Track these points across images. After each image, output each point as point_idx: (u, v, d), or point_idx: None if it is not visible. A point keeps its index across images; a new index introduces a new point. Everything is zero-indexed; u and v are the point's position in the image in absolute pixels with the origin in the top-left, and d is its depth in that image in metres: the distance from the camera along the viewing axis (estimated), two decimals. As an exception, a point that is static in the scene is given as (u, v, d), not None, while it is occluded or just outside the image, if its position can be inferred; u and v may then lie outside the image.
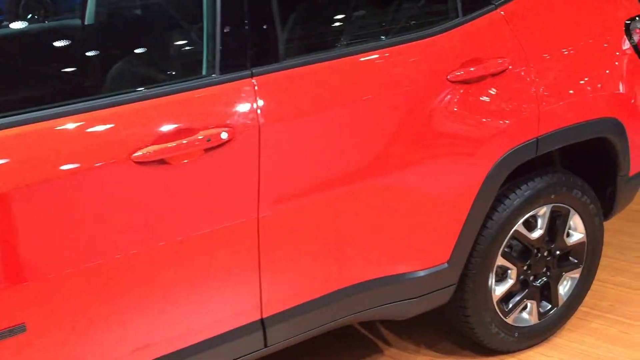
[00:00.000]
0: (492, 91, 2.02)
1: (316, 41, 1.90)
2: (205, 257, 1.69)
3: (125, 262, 1.55)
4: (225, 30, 1.64)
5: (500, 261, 2.28)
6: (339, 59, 1.81)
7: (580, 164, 2.54)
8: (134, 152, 1.50)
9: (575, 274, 2.51)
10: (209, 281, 1.72)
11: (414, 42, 1.92)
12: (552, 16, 2.18)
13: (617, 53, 2.32)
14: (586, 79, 2.22)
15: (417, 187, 1.97)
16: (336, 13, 1.99)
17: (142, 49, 1.82)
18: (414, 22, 2.07)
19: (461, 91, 1.96)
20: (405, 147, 1.91)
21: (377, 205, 1.92)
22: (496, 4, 2.08)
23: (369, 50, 1.86)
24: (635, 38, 2.37)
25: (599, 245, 2.52)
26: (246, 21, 1.67)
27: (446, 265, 2.12)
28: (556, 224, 2.38)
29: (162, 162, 1.54)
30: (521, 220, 2.27)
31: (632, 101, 2.36)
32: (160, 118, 1.55)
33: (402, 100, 1.88)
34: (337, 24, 1.99)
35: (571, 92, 2.18)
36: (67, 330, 1.53)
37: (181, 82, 1.63)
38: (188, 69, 1.73)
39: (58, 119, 1.46)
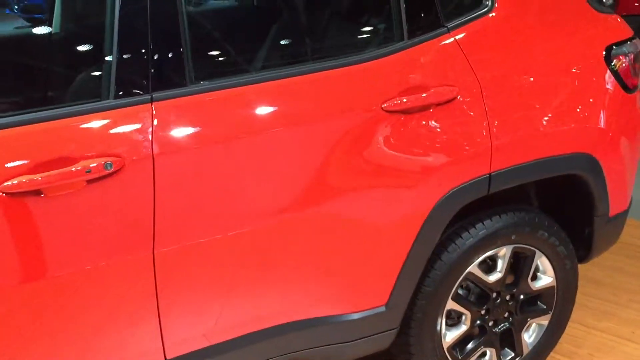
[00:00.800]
0: (437, 122, 1.84)
1: (233, 65, 1.76)
2: (95, 295, 1.56)
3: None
4: (121, 51, 1.52)
5: (451, 305, 2.10)
6: (257, 85, 1.67)
7: (556, 202, 2.34)
8: (3, 182, 1.39)
9: (544, 321, 2.30)
10: (103, 321, 1.60)
11: (346, 68, 1.76)
12: (516, 41, 1.99)
13: (594, 83, 2.10)
14: (554, 110, 2.02)
15: (347, 223, 1.81)
16: (258, 34, 1.85)
17: (28, 68, 1.71)
18: (350, 45, 1.91)
19: (400, 121, 1.79)
20: (332, 180, 1.75)
21: (298, 241, 1.76)
22: (449, 26, 1.90)
23: (292, 75, 1.71)
24: (617, 66, 2.15)
25: (571, 290, 2.31)
26: (147, 42, 1.54)
27: (383, 308, 1.94)
28: (520, 267, 2.18)
29: (37, 193, 1.42)
30: (476, 262, 2.08)
31: (610, 136, 2.14)
32: (37, 145, 1.44)
33: (327, 129, 1.72)
34: (258, 46, 1.83)
35: (534, 125, 1.98)
36: None
37: (70, 106, 1.51)
38: (81, 93, 1.61)
39: None
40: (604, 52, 2.12)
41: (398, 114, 1.78)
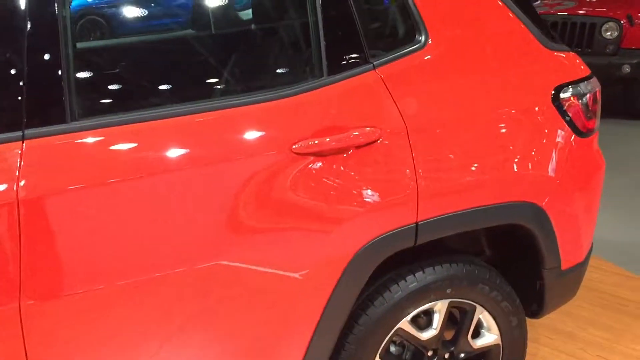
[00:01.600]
0: (355, 166, 1.69)
1: (124, 100, 1.63)
2: None
3: None
4: None
5: (378, 365, 1.92)
6: (147, 122, 1.53)
7: (508, 253, 2.18)
8: None
9: (490, 381, 2.11)
10: None
11: (255, 105, 1.62)
12: (451, 80, 1.84)
13: (540, 126, 1.95)
14: (491, 155, 1.87)
15: (253, 276, 1.65)
16: (154, 69, 1.72)
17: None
18: (265, 81, 1.77)
19: (313, 164, 1.64)
20: (234, 227, 1.60)
21: (189, 297, 1.60)
22: (374, 63, 1.76)
23: (189, 113, 1.57)
24: (568, 108, 1.99)
25: (518, 349, 2.13)
26: (22, 73, 1.41)
27: (295, 375, 1.77)
28: (459, 323, 2.01)
29: None
30: (407, 317, 1.91)
31: (558, 184, 1.97)
32: None
33: (230, 172, 1.58)
34: (154, 81, 1.70)
35: (467, 171, 1.83)
36: None
37: None
38: None
39: None
40: (552, 93, 1.96)
41: (310, 156, 1.64)
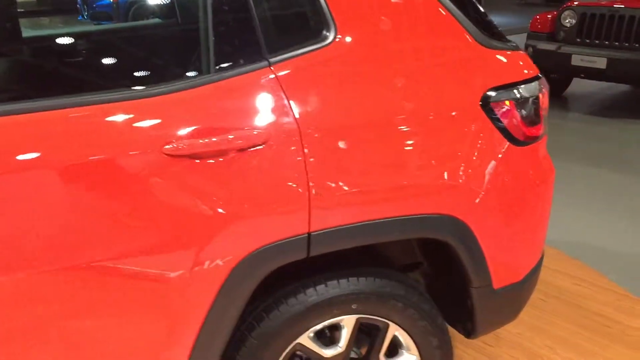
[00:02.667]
0: (238, 170, 1.57)
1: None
2: None
3: None
4: None
5: (276, 380, 1.81)
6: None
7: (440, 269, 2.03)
8: None
9: (409, 405, 1.97)
10: None
11: (123, 102, 1.52)
12: (359, 81, 1.69)
13: (464, 133, 1.78)
14: (402, 164, 1.71)
15: (123, 281, 1.56)
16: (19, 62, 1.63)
17: None
18: (138, 77, 1.67)
19: (188, 168, 1.54)
20: (95, 232, 1.51)
21: (57, 299, 1.53)
22: (271, 60, 1.63)
23: (53, 108, 1.49)
24: (500, 114, 1.82)
25: (443, 373, 1.97)
26: None
27: (177, 384, 1.68)
28: (370, 340, 1.87)
29: None
30: (308, 332, 1.79)
31: (483, 196, 1.80)
32: None
33: (88, 173, 1.49)
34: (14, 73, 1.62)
35: (371, 180, 1.68)
36: None
37: None
38: None
39: None
40: (482, 96, 1.79)
41: (185, 158, 1.53)
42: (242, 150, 1.57)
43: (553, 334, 2.77)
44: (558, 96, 7.49)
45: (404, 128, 1.70)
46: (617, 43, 6.41)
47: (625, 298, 3.08)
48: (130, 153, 1.50)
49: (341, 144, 1.65)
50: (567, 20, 6.76)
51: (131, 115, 1.51)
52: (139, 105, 1.52)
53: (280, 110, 1.60)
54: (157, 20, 1.79)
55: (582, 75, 6.77)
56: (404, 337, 1.90)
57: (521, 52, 1.98)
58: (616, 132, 6.08)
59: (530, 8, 16.94)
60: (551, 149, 5.41)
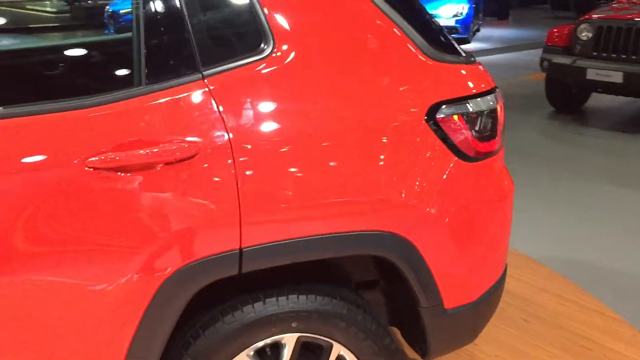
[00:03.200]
0: (164, 184, 1.56)
1: None
2: None
3: None
4: None
5: (213, 400, 1.77)
6: None
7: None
8: None
9: None
10: None
11: (44, 115, 1.52)
12: (296, 94, 1.66)
13: (407, 148, 1.73)
14: (336, 179, 1.67)
15: (43, 294, 1.55)
16: None
17: None
18: (74, 87, 1.66)
19: (113, 181, 1.52)
20: (21, 245, 1.50)
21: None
22: (204, 73, 1.62)
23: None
24: (447, 129, 1.77)
25: (390, 396, 1.91)
26: None
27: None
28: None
29: None
30: (247, 351, 1.75)
31: (427, 212, 1.75)
32: None
33: (9, 187, 1.48)
34: None
35: (304, 195, 1.64)
36: None
37: None
38: None
39: None
40: (427, 110, 1.74)
41: (110, 171, 1.52)
42: (170, 163, 1.55)
43: (531, 356, 2.68)
44: (577, 110, 7.34)
45: (340, 142, 1.67)
46: (634, 57, 6.25)
47: (618, 323, 2.97)
48: (54, 165, 1.49)
49: (274, 158, 1.62)
50: (583, 34, 6.63)
51: (56, 129, 1.51)
52: (61, 118, 1.52)
53: (211, 123, 1.58)
54: (89, 34, 1.78)
55: (599, 89, 6.63)
56: (350, 357, 1.85)
57: (477, 65, 1.93)
58: (633, 147, 5.92)
59: (559, 22, 16.69)
60: (561, 162, 5.32)
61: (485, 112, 1.84)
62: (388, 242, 1.73)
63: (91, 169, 1.51)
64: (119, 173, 1.52)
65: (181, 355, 1.73)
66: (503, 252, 2.02)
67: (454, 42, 1.95)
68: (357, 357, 1.85)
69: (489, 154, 1.87)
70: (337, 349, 1.83)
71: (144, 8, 1.61)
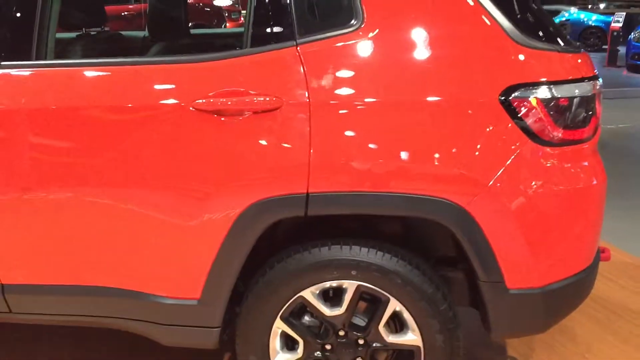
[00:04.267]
0: (250, 129, 1.86)
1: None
2: None
3: None
4: None
5: (281, 326, 2.04)
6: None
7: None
8: None
9: (408, 383, 2.05)
10: None
11: (169, 65, 1.94)
12: (375, 65, 1.85)
13: (477, 125, 1.83)
14: (402, 145, 1.83)
15: (153, 210, 1.95)
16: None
17: None
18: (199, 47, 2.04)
19: (212, 122, 1.87)
20: (134, 168, 1.93)
21: (107, 216, 1.97)
22: (299, 41, 1.89)
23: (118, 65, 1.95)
24: (521, 111, 1.83)
25: (444, 358, 2.00)
26: None
27: (195, 302, 2.01)
28: (373, 311, 2.01)
29: None
30: (311, 288, 1.99)
31: (490, 189, 1.83)
32: None
33: (137, 119, 1.91)
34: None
35: (371, 155, 1.83)
36: None
37: None
38: None
39: None
40: (503, 91, 1.82)
41: (208, 113, 1.86)
42: (257, 112, 1.85)
43: None
44: None
45: (413, 111, 1.82)
46: None
47: None
48: (168, 105, 1.88)
49: (345, 120, 1.83)
50: None
51: (175, 76, 1.91)
52: (186, 67, 1.91)
53: (296, 83, 1.85)
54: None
55: None
56: (407, 316, 1.98)
57: (578, 55, 1.94)
58: None
59: None
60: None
61: (572, 99, 1.85)
62: (446, 209, 1.84)
63: (194, 110, 1.86)
64: (215, 115, 1.86)
65: (257, 281, 2.02)
66: (582, 245, 2.00)
67: (554, 31, 1.98)
68: (412, 315, 1.97)
69: (571, 142, 1.88)
70: (394, 304, 1.97)
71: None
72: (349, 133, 1.83)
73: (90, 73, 1.98)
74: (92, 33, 3.08)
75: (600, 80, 2.00)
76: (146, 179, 1.93)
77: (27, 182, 1.98)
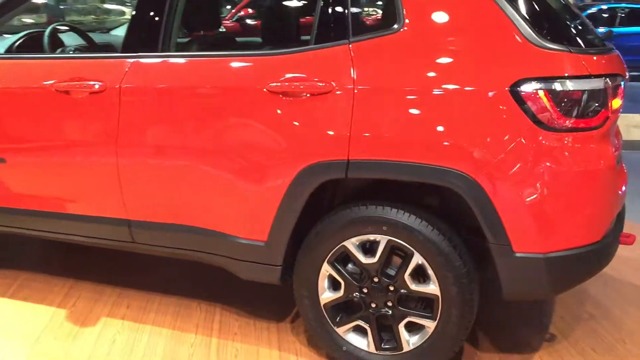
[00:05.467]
0: (307, 107, 2.38)
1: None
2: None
3: None
4: None
5: (327, 269, 2.53)
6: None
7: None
8: None
9: (428, 326, 2.45)
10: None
11: (256, 57, 2.53)
12: (410, 60, 2.29)
13: (491, 110, 2.20)
14: (426, 123, 2.25)
15: (232, 168, 2.54)
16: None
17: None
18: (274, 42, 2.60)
19: (279, 101, 2.42)
20: (209, 138, 2.55)
21: (199, 175, 2.60)
22: (351, 40, 2.39)
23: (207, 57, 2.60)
24: (528, 100, 2.19)
25: (459, 310, 2.38)
26: None
27: (263, 244, 2.57)
28: (403, 261, 2.44)
29: None
30: (352, 239, 2.47)
31: (497, 163, 2.19)
32: None
33: (226, 99, 2.52)
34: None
35: (402, 131, 2.26)
36: None
37: None
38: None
39: None
40: (513, 83, 2.18)
41: (277, 95, 2.42)
42: (313, 94, 2.38)
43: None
44: None
45: (437, 97, 2.24)
46: None
47: None
48: (249, 84, 2.47)
49: (383, 102, 2.29)
50: None
51: (257, 66, 2.51)
52: (265, 58, 2.49)
53: (345, 73, 2.35)
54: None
55: None
56: (428, 269, 2.39)
57: (593, 56, 2.24)
58: None
59: None
60: None
61: (579, 92, 2.17)
62: (458, 178, 2.23)
63: (266, 91, 2.43)
64: (281, 96, 2.41)
65: (309, 232, 2.53)
66: (586, 221, 2.27)
67: (573, 35, 2.31)
68: (432, 268, 2.38)
69: (578, 129, 2.19)
70: (417, 257, 2.39)
71: (322, -5, 2.46)
72: (385, 113, 2.29)
73: (201, 62, 2.63)
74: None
75: (620, 77, 2.29)
76: (233, 147, 2.52)
77: (164, 142, 2.65)
